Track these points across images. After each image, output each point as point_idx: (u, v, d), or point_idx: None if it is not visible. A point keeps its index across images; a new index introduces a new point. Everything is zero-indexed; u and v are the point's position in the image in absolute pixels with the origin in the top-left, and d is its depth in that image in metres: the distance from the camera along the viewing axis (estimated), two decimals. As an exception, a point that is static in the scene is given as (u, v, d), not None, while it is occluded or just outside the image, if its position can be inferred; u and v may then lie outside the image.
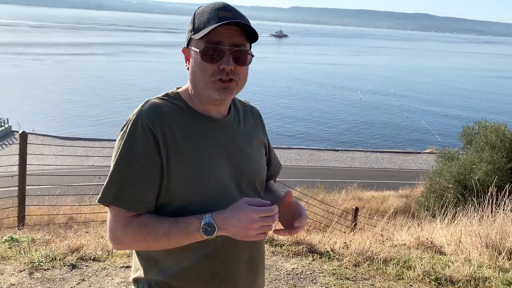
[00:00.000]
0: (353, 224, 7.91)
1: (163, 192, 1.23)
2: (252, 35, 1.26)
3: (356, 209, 9.08)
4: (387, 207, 15.31)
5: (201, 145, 1.27)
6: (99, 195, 1.23)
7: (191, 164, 1.24)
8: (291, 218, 1.35)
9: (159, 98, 1.30)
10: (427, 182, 13.22)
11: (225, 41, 1.23)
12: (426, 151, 29.73)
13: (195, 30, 1.26)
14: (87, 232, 6.04)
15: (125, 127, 1.24)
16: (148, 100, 1.28)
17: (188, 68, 1.30)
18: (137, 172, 1.20)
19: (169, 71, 59.83)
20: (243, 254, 1.32)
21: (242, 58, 1.26)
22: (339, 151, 29.47)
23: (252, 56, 1.29)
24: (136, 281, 1.34)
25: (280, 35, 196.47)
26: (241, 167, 1.33)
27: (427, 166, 23.27)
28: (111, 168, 1.23)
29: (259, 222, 1.14)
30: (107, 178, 1.23)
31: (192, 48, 1.27)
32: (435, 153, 22.83)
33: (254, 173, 1.37)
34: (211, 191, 1.26)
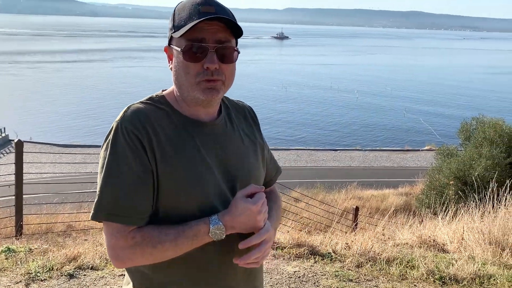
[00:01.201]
0: (354, 224, 7.86)
1: (154, 201, 1.16)
2: (237, 30, 1.18)
3: (357, 209, 9.04)
4: (387, 205, 15.27)
5: (190, 150, 1.19)
6: (92, 211, 1.14)
7: (180, 172, 1.16)
8: None
9: (142, 102, 1.22)
10: (427, 179, 13.21)
11: (208, 38, 1.15)
12: (424, 149, 29.73)
13: (175, 27, 1.18)
14: (86, 239, 5.99)
15: (109, 136, 1.16)
16: (130, 105, 1.19)
17: (171, 69, 1.23)
18: (130, 180, 1.12)
19: (166, 76, 59.87)
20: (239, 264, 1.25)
21: (227, 56, 1.18)
22: (338, 151, 29.45)
23: (238, 52, 1.22)
24: None
25: (282, 37, 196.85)
26: (234, 171, 1.26)
27: (426, 163, 23.24)
28: (100, 180, 1.14)
29: (263, 212, 1.19)
30: (98, 191, 1.14)
31: (174, 47, 1.20)
32: (433, 150, 22.83)
33: (248, 176, 1.29)
34: (203, 198, 1.19)
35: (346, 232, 6.62)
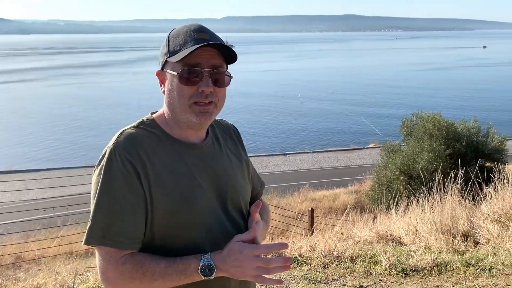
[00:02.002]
0: (313, 227, 8.02)
1: (148, 227, 1.18)
2: (229, 56, 1.24)
3: (312, 211, 9.23)
4: (339, 204, 15.72)
5: (182, 173, 1.22)
6: (85, 236, 1.15)
7: (173, 194, 1.19)
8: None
9: (134, 127, 1.24)
10: (375, 176, 13.73)
11: (203, 63, 1.20)
12: (369, 146, 30.83)
13: (170, 52, 1.22)
14: (39, 269, 5.70)
15: (102, 161, 1.18)
16: (123, 131, 1.22)
17: (163, 92, 1.26)
18: (123, 206, 1.14)
19: (106, 93, 58.01)
20: (233, 283, 1.28)
21: (221, 80, 1.24)
22: (287, 155, 29.91)
23: (231, 77, 1.28)
24: None
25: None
26: (225, 191, 1.30)
27: (371, 160, 24.08)
28: (93, 206, 1.16)
29: (255, 260, 1.13)
30: (90, 217, 1.16)
31: (168, 71, 1.23)
32: (378, 147, 23.74)
33: (238, 195, 1.33)
34: (198, 219, 1.22)
35: (305, 235, 6.75)
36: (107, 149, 1.19)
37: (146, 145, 1.20)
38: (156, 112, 1.32)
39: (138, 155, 1.17)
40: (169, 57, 1.22)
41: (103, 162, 1.17)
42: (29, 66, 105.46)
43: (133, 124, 1.26)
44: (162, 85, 1.27)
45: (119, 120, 38.46)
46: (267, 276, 1.14)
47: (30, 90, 63.59)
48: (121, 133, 1.21)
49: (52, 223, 10.71)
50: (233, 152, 1.40)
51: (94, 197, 1.16)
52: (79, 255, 7.38)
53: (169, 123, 1.27)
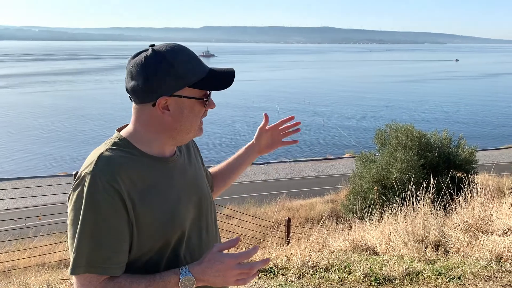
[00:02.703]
0: (289, 237, 8.06)
1: (134, 248, 1.19)
2: None
3: (289, 220, 9.29)
4: (316, 213, 15.83)
5: (163, 188, 1.25)
6: (70, 265, 1.13)
7: (159, 211, 1.21)
8: (272, 138, 1.85)
9: (109, 149, 1.21)
10: (350, 185, 13.92)
11: None
12: (344, 156, 31.24)
13: (189, 79, 1.21)
14: (10, 282, 5.54)
15: (80, 187, 1.14)
16: (100, 154, 1.19)
17: (165, 115, 1.23)
18: (108, 233, 1.13)
19: (77, 103, 57.04)
20: None
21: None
22: (265, 164, 29.99)
23: None
24: None
25: (208, 55, 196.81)
26: (200, 199, 1.36)
27: (347, 170, 24.38)
28: (76, 234, 1.13)
29: (236, 268, 1.18)
30: (74, 245, 1.13)
31: (187, 96, 1.22)
32: (353, 157, 24.08)
33: (210, 202, 1.41)
34: (181, 232, 1.26)
35: (282, 245, 6.79)
36: (85, 174, 1.15)
37: (125, 167, 1.19)
38: (121, 129, 1.30)
39: (120, 178, 1.16)
40: (192, 84, 1.22)
41: (84, 188, 1.14)
42: (4, 72, 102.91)
43: (107, 146, 1.23)
44: (165, 110, 1.23)
45: (94, 130, 37.84)
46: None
47: (2, 98, 61.95)
48: (98, 158, 1.18)
49: (24, 233, 10.45)
50: (196, 161, 1.47)
51: (76, 224, 1.13)
52: (51, 266, 7.19)
53: (150, 141, 1.26)
